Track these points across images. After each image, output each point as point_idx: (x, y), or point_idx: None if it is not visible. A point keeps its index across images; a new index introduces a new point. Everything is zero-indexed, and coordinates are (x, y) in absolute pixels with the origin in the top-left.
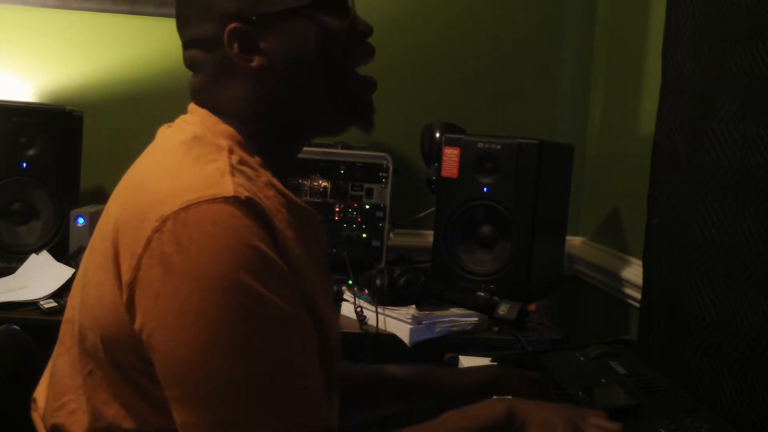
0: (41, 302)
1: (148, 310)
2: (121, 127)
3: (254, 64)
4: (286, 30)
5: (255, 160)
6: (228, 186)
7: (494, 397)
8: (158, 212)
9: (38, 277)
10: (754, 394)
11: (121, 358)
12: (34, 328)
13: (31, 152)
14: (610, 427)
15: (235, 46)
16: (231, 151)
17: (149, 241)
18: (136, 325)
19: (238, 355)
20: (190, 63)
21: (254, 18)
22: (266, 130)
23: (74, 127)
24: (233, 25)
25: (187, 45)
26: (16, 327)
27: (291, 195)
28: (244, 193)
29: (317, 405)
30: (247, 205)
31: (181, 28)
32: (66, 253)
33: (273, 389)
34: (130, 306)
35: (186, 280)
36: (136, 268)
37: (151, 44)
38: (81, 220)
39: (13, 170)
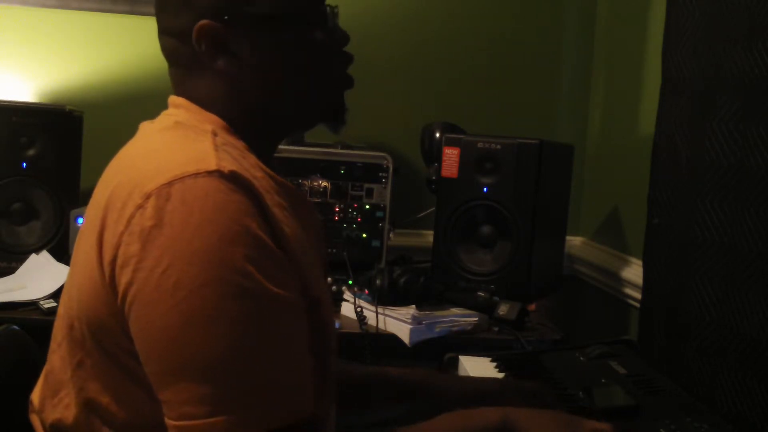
0: (41, 302)
1: (127, 285)
2: (121, 127)
3: (220, 64)
4: (259, 35)
5: (240, 144)
6: (212, 160)
7: None
8: (142, 190)
9: (38, 277)
10: (754, 394)
11: (108, 342)
12: (34, 328)
13: (31, 152)
14: (604, 428)
15: (203, 43)
16: (215, 134)
17: (131, 218)
18: (118, 301)
19: (217, 331)
20: (164, 51)
21: (226, 18)
22: (245, 123)
23: (74, 127)
24: (204, 22)
25: (162, 31)
26: (16, 327)
27: (279, 177)
28: (228, 167)
29: (300, 390)
30: (232, 179)
31: (159, 13)
32: (66, 253)
33: (253, 369)
34: (112, 284)
35: (166, 253)
36: (117, 246)
37: (151, 44)
38: (81, 220)
39: (13, 170)
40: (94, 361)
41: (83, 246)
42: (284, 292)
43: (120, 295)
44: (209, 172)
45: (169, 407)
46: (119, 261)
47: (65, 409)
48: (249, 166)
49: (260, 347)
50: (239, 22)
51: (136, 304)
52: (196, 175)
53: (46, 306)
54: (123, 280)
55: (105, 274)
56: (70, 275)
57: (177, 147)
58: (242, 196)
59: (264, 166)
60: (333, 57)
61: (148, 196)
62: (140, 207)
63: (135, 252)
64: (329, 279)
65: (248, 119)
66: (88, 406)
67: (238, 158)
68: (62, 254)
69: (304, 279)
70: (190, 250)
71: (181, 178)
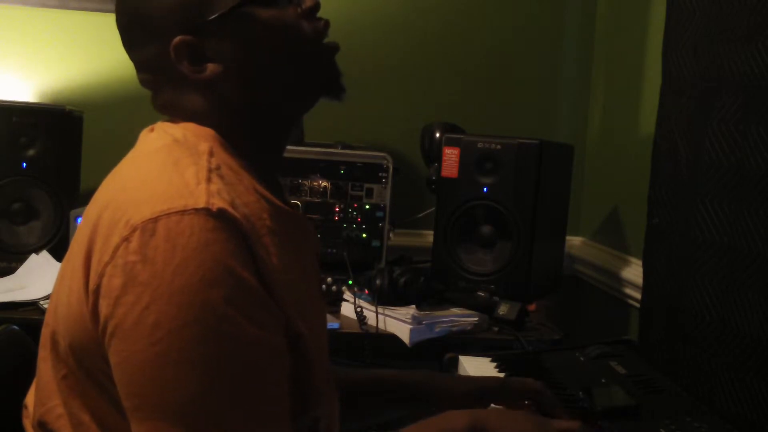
0: (41, 302)
1: (107, 317)
2: (121, 127)
3: (207, 73)
4: (228, 33)
5: (237, 163)
6: (201, 196)
7: (492, 405)
8: (128, 221)
9: (38, 277)
10: (754, 394)
11: (89, 364)
12: (34, 328)
13: (31, 152)
14: (573, 426)
15: (184, 60)
16: (211, 154)
17: (116, 249)
18: (99, 330)
19: (192, 373)
20: (146, 85)
21: (195, 27)
22: (240, 131)
23: (74, 127)
24: (177, 39)
25: (139, 68)
26: (16, 327)
27: (275, 200)
28: (216, 204)
29: None
30: (219, 217)
31: (129, 52)
32: (66, 254)
33: (226, 412)
34: (94, 313)
35: (147, 290)
36: (101, 276)
37: None
38: (81, 221)
39: (13, 170)
40: (76, 379)
41: (71, 263)
42: (264, 333)
43: (100, 326)
44: (196, 210)
45: None
46: (102, 291)
47: (57, 419)
48: (243, 189)
49: (235, 391)
50: (208, 28)
51: (116, 338)
52: (183, 212)
53: (46, 306)
54: (104, 311)
55: (89, 301)
56: (57, 286)
57: (170, 173)
58: (228, 234)
59: (260, 188)
60: (306, 27)
61: (133, 229)
62: (126, 239)
63: (117, 286)
64: (329, 279)
65: (245, 126)
66: (73, 420)
67: (233, 182)
68: (62, 254)
69: (288, 312)
70: (170, 290)
71: (168, 214)
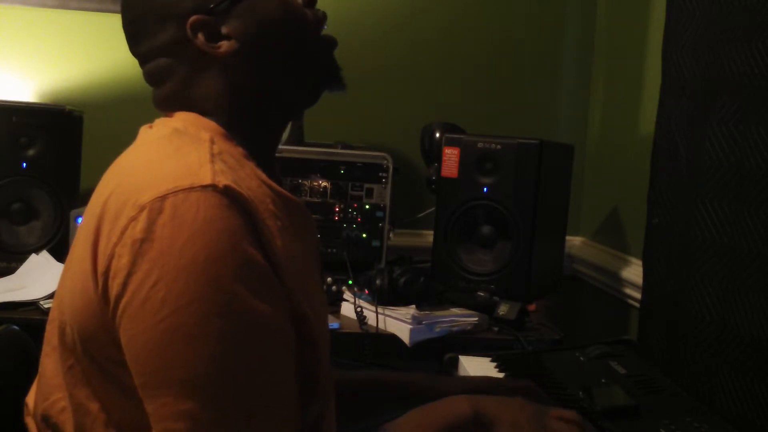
0: (41, 302)
1: (117, 297)
2: (121, 127)
3: (222, 50)
4: (243, 11)
5: (238, 151)
6: (206, 174)
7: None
8: (136, 202)
9: (38, 277)
10: (754, 394)
11: (98, 352)
12: (34, 328)
13: (31, 152)
14: (568, 416)
15: (200, 36)
16: (212, 142)
17: (124, 229)
18: (109, 312)
19: (200, 348)
20: (156, 74)
21: (211, 7)
22: (246, 117)
23: (74, 127)
24: (193, 18)
25: (148, 57)
26: (16, 327)
27: (276, 186)
28: (222, 182)
29: (282, 409)
30: (226, 194)
31: (139, 43)
32: (66, 253)
33: (235, 387)
34: (105, 296)
35: (155, 267)
36: (110, 257)
37: None
38: (81, 220)
39: (13, 170)
40: (84, 368)
41: (77, 252)
42: (271, 310)
43: (111, 307)
44: (203, 187)
45: (153, 420)
46: (111, 273)
47: (60, 413)
48: (245, 175)
49: (243, 366)
50: (223, 9)
51: (125, 316)
52: (190, 189)
53: (46, 306)
54: (113, 291)
55: (98, 285)
56: (63, 280)
57: (173, 158)
58: (235, 211)
59: (262, 174)
60: (309, 14)
61: (141, 209)
62: (133, 219)
63: (125, 264)
64: (329, 279)
65: (249, 113)
66: (79, 411)
67: (235, 167)
68: (62, 254)
69: (293, 294)
70: (178, 266)
71: (175, 192)
